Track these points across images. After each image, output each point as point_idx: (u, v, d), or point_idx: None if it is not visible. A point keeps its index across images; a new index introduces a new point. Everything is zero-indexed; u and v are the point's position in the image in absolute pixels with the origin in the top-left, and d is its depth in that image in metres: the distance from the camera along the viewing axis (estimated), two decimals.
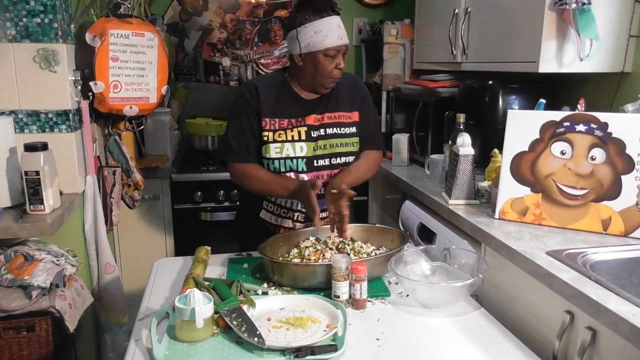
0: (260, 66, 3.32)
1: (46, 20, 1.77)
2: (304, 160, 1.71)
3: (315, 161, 1.72)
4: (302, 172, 1.71)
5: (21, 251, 1.67)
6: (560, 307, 1.26)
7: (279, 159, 1.69)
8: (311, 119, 1.72)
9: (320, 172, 1.73)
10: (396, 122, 2.96)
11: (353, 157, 1.78)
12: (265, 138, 1.69)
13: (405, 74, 3.04)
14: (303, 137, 1.71)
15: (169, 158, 2.82)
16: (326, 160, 1.74)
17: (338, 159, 1.75)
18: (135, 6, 2.20)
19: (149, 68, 2.07)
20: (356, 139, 1.78)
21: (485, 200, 1.85)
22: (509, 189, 1.64)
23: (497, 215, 1.67)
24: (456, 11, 2.40)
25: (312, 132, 1.72)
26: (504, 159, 1.66)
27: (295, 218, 1.78)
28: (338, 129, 1.75)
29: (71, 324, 1.67)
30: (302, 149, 1.70)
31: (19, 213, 1.67)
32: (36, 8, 1.76)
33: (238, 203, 2.64)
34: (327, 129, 1.74)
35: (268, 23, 3.28)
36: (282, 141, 1.69)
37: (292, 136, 1.70)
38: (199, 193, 2.71)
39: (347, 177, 1.69)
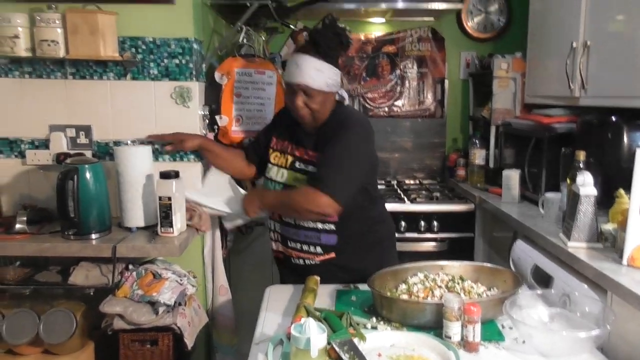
0: (368, 100, 3.39)
1: (183, 62, 1.98)
2: (282, 186, 1.83)
3: None
4: None
5: (150, 269, 1.82)
6: None
7: (265, 177, 1.91)
8: (300, 152, 1.81)
9: None
10: (505, 158, 2.88)
11: None
12: (268, 154, 1.90)
13: (515, 108, 2.95)
14: (287, 165, 1.81)
15: None
16: None
17: None
18: (257, 46, 2.36)
19: (267, 103, 2.21)
20: None
21: (609, 244, 1.73)
22: (639, 234, 1.53)
23: (624, 262, 1.56)
24: (574, 45, 2.30)
25: (296, 162, 1.80)
26: (633, 200, 1.55)
27: (272, 237, 1.92)
28: (315, 167, 1.76)
29: (189, 341, 1.78)
30: (282, 175, 1.83)
31: (151, 234, 1.84)
32: (176, 51, 1.98)
33: None
34: (309, 166, 1.78)
35: (376, 58, 3.36)
36: (273, 164, 1.87)
37: (281, 162, 1.83)
38: None
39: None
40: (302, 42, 1.81)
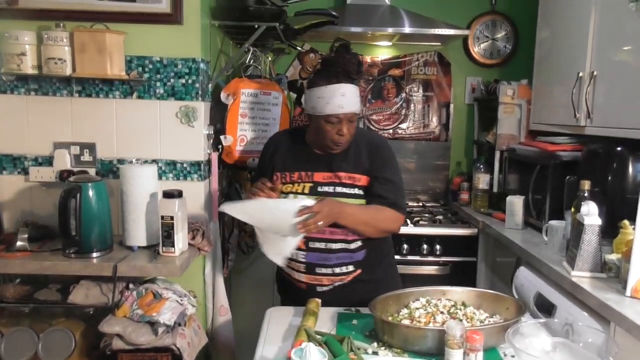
0: (372, 122, 3.40)
1: (190, 81, 2.00)
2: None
3: None
4: None
5: (151, 289, 1.81)
6: None
7: None
8: (320, 176, 1.78)
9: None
10: (509, 183, 2.87)
11: None
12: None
13: (520, 134, 2.96)
14: (307, 192, 1.76)
15: None
16: None
17: None
18: (263, 66, 2.38)
19: (272, 124, 2.23)
20: (362, 202, 1.77)
21: (613, 274, 1.71)
22: None
23: (628, 293, 1.54)
24: (580, 74, 2.31)
25: (318, 187, 1.76)
26: (637, 231, 1.53)
27: (296, 268, 1.82)
28: (347, 189, 1.76)
29: None
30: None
31: (152, 254, 1.83)
32: (182, 71, 2.00)
33: None
34: (337, 187, 1.76)
35: (382, 81, 3.38)
36: (288, 192, 1.78)
37: (296, 190, 1.78)
38: None
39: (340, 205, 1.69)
40: (317, 69, 1.78)
